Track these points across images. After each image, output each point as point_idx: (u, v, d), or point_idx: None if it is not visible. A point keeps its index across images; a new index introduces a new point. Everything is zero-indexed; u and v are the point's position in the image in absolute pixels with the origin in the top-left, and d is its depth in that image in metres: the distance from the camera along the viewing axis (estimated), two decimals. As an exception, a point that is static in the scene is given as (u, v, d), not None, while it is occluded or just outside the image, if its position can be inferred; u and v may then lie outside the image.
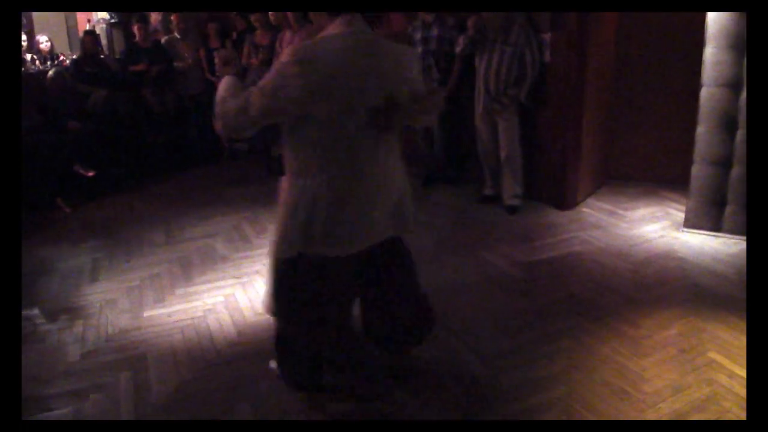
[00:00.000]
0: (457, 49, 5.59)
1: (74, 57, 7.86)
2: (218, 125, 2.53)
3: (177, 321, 4.02)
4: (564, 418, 2.91)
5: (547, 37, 5.22)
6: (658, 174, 5.93)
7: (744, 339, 3.33)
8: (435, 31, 5.76)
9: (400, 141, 2.68)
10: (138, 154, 7.40)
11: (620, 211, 5.39)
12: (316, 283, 2.68)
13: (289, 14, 6.55)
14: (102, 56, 7.85)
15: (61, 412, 3.24)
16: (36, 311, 4.31)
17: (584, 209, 5.49)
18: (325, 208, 2.48)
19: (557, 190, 5.50)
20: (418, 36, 5.84)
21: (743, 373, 3.08)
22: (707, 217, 4.77)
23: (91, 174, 6.39)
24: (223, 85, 2.61)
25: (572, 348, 3.46)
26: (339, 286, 2.75)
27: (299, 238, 2.52)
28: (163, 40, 7.92)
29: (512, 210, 5.45)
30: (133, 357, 3.67)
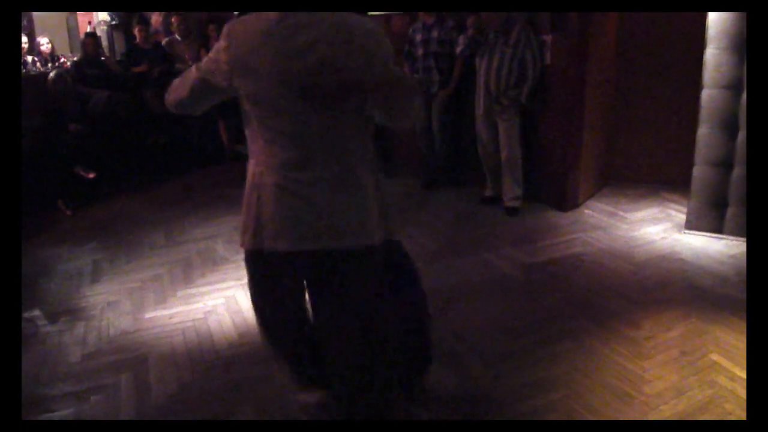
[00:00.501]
0: (458, 50, 5.59)
1: (75, 59, 7.87)
2: (166, 100, 2.45)
3: (178, 323, 4.02)
4: (565, 419, 2.91)
5: (547, 38, 5.22)
6: (659, 175, 5.93)
7: (746, 340, 3.33)
8: (435, 33, 5.77)
9: (367, 137, 2.36)
10: (139, 155, 7.41)
11: (621, 213, 5.39)
12: (268, 279, 2.51)
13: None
14: (103, 58, 7.86)
15: (63, 413, 3.24)
16: (37, 313, 4.31)
17: (585, 210, 5.49)
18: (271, 195, 2.26)
19: (558, 192, 5.50)
20: (418, 38, 5.85)
21: (745, 375, 3.08)
22: (708, 219, 4.77)
23: (92, 176, 6.40)
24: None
25: (573, 350, 3.46)
26: (291, 287, 2.53)
27: (254, 228, 2.32)
28: (163, 42, 7.93)
29: (513, 211, 5.44)
30: (134, 358, 3.67)
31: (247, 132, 2.36)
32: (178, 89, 2.39)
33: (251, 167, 2.35)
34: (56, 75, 6.62)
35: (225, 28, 2.24)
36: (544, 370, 3.30)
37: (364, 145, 2.33)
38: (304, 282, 2.52)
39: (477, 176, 5.98)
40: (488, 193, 5.76)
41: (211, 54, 2.28)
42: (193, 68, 2.36)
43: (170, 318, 4.09)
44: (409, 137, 6.56)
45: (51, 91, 6.47)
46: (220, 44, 2.22)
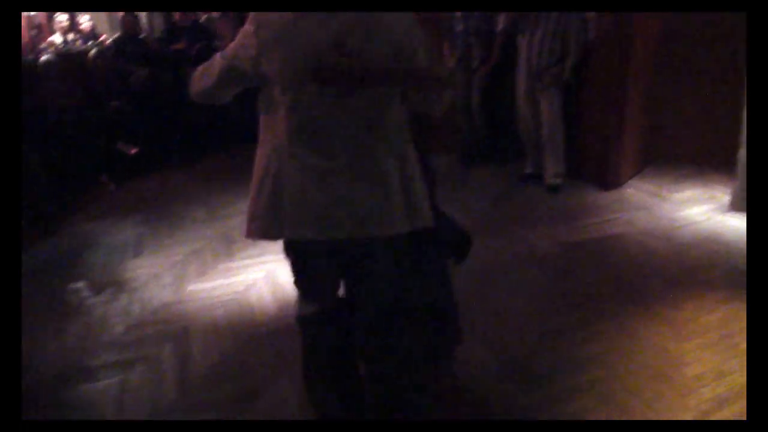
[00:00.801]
0: (498, 27, 5.52)
1: (115, 37, 7.97)
2: (191, 90, 2.39)
3: (219, 295, 4.09)
4: (602, 400, 2.89)
5: (590, 14, 5.12)
6: (703, 156, 5.80)
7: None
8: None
9: (396, 125, 2.27)
10: (180, 131, 7.49)
11: (664, 193, 5.29)
12: (297, 268, 2.48)
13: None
14: (142, 36, 7.93)
15: (107, 382, 3.33)
16: (82, 285, 4.42)
17: (627, 190, 5.40)
18: (292, 183, 2.20)
19: (600, 170, 5.42)
20: (459, 14, 5.78)
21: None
22: (754, 200, 4.65)
23: (134, 151, 6.50)
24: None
25: (613, 329, 3.43)
26: (317, 276, 2.48)
27: (264, 213, 2.27)
28: (202, 19, 7.97)
29: (554, 189, 5.39)
30: (177, 330, 3.75)
31: (262, 119, 2.31)
32: (202, 78, 2.33)
33: (265, 154, 2.29)
34: (97, 53, 6.72)
35: (254, 17, 2.18)
36: (583, 349, 3.28)
37: (392, 133, 2.25)
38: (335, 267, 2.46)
39: (517, 153, 5.92)
40: (528, 170, 5.71)
41: (237, 40, 2.22)
42: (218, 56, 2.29)
43: (212, 291, 4.16)
44: (448, 113, 6.52)
45: (92, 68, 6.56)
46: (248, 29, 2.17)
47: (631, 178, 5.60)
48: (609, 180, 5.39)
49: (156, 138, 7.10)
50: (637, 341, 3.31)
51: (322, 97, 2.12)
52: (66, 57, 6.29)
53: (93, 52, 6.67)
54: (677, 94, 5.76)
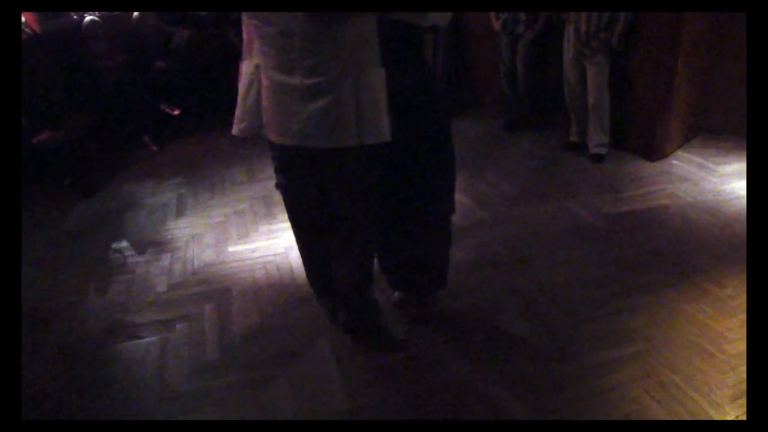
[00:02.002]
0: (546, -9, 5.40)
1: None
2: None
3: (259, 257, 4.12)
4: (643, 374, 2.87)
5: (643, -22, 4.97)
6: (753, 127, 5.63)
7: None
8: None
9: (361, 47, 2.38)
10: (222, 92, 7.51)
11: (711, 165, 5.17)
12: (280, 168, 2.83)
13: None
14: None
15: (149, 339, 3.40)
16: (125, 244, 4.50)
17: (673, 161, 5.28)
18: (262, 92, 2.56)
19: (646, 140, 5.31)
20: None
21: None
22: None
23: (176, 112, 6.54)
24: None
25: (654, 303, 3.38)
26: (298, 180, 2.81)
27: (248, 116, 2.66)
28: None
29: (598, 159, 5.30)
30: (218, 290, 3.80)
31: (245, 38, 2.61)
32: None
33: (249, 70, 2.61)
34: (140, 14, 6.73)
35: None
36: (624, 322, 3.25)
37: (348, 52, 2.37)
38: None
39: (561, 121, 5.83)
40: (572, 138, 5.62)
41: None
42: None
43: (252, 252, 4.20)
44: (492, 77, 6.44)
45: (135, 29, 6.58)
46: None
47: (676, 149, 5.48)
48: (654, 151, 5.28)
49: (199, 99, 7.14)
50: (678, 316, 3.26)
51: (284, 21, 2.33)
52: (110, 18, 6.32)
53: (136, 13, 6.69)
54: (730, 63, 5.59)
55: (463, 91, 6.87)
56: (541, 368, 2.96)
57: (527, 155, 5.60)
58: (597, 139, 5.30)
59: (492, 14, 5.85)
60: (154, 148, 6.44)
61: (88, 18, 6.07)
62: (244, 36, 2.60)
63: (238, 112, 2.70)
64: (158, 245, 4.43)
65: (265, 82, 2.53)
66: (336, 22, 2.30)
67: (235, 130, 2.71)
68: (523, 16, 5.65)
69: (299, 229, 3.07)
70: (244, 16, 2.50)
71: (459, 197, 4.74)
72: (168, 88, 6.71)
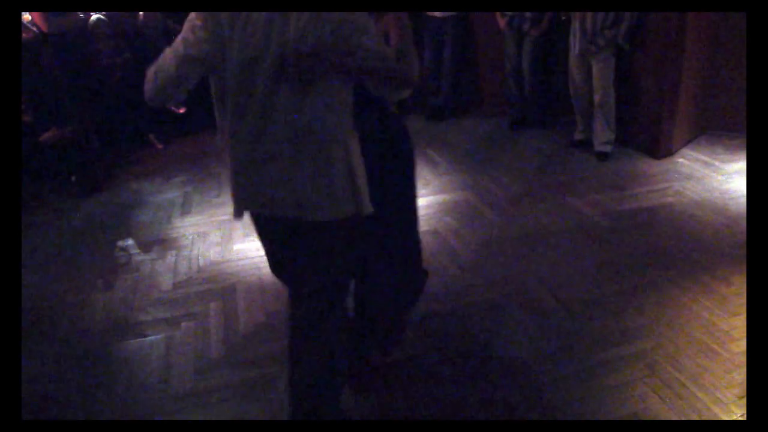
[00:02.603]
0: (552, -12, 5.38)
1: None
2: (146, 93, 2.35)
3: (265, 255, 4.12)
4: (648, 372, 2.87)
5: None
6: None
7: None
8: (529, -31, 5.56)
9: (341, 111, 2.22)
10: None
11: (717, 163, 5.15)
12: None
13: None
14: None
15: (154, 338, 3.41)
16: (131, 242, 4.52)
17: (679, 159, 5.27)
18: (243, 163, 2.30)
19: (651, 138, 5.29)
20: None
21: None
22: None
23: (182, 110, 6.54)
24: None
25: (659, 301, 3.38)
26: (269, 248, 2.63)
27: (234, 191, 2.42)
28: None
29: (603, 156, 5.29)
30: (223, 288, 3.81)
31: (216, 107, 2.37)
32: (157, 77, 2.26)
33: (225, 141, 2.36)
34: (146, 13, 6.73)
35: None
36: (629, 320, 3.24)
37: (337, 118, 2.21)
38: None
39: (566, 118, 5.82)
40: (578, 136, 5.61)
41: (184, 32, 2.20)
42: (168, 52, 2.24)
43: (257, 250, 4.18)
44: (497, 75, 6.43)
45: (142, 27, 6.59)
46: (194, 22, 2.16)
47: (682, 147, 5.46)
48: (660, 148, 5.27)
49: (205, 97, 7.13)
50: (684, 314, 3.26)
51: (263, 85, 2.14)
52: (116, 17, 6.33)
53: (142, 13, 6.71)
54: (735, 60, 5.56)
55: (468, 88, 6.86)
56: (545, 367, 2.96)
57: (532, 153, 5.59)
58: (603, 137, 5.29)
59: (497, 12, 5.83)
60: (160, 146, 6.45)
61: (94, 17, 6.09)
62: (217, 106, 2.37)
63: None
64: (164, 243, 4.44)
65: (237, 157, 2.31)
66: (330, 88, 2.16)
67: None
68: (528, 13, 5.63)
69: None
70: (216, 81, 2.26)
71: (464, 194, 4.77)
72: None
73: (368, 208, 2.34)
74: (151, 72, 2.28)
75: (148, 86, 2.29)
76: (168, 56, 2.22)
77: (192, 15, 2.18)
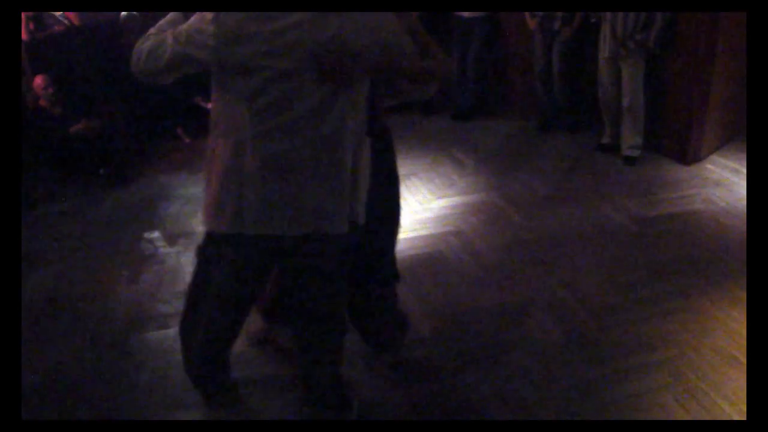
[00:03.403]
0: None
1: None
2: (134, 65, 2.24)
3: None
4: (672, 380, 2.84)
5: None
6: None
7: None
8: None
9: (358, 115, 2.20)
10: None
11: (746, 170, 5.07)
12: (240, 261, 2.34)
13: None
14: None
15: (177, 329, 3.43)
16: (157, 234, 4.55)
17: (708, 165, 5.20)
18: (256, 177, 2.13)
19: (680, 143, 5.23)
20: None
21: None
22: None
23: (209, 106, 6.59)
24: (167, 17, 2.32)
25: (684, 309, 3.35)
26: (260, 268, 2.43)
27: (235, 209, 2.18)
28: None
29: (630, 161, 5.23)
30: (246, 283, 3.82)
31: (217, 106, 2.27)
32: (149, 59, 2.18)
33: (223, 146, 2.22)
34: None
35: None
36: (653, 327, 3.21)
37: (353, 122, 2.17)
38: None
39: (594, 122, 5.77)
40: (605, 140, 5.55)
41: (192, 25, 2.10)
42: (169, 38, 2.13)
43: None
44: (525, 76, 6.39)
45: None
46: (205, 15, 2.06)
47: (711, 153, 5.39)
48: (688, 154, 5.21)
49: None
50: (709, 323, 3.23)
51: (292, 85, 2.05)
52: (147, 13, 6.39)
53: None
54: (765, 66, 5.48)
55: (496, 89, 6.83)
56: (568, 372, 2.94)
57: (559, 156, 5.55)
58: (631, 141, 5.24)
59: (527, 12, 5.80)
60: (187, 140, 6.49)
61: (124, 12, 6.15)
62: (221, 107, 2.25)
63: (217, 197, 2.25)
64: (189, 236, 4.47)
65: (255, 165, 2.12)
66: (354, 90, 2.13)
67: (222, 224, 2.24)
68: (559, 13, 5.59)
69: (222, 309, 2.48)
70: (230, 80, 2.14)
71: (490, 195, 4.76)
72: (202, 82, 6.75)
73: (363, 218, 2.32)
74: (145, 49, 2.19)
75: (138, 64, 2.22)
76: (167, 42, 2.12)
77: (207, 16, 2.05)
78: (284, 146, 2.10)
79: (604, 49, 5.16)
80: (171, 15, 2.32)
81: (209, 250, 2.40)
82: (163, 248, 4.35)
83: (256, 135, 2.11)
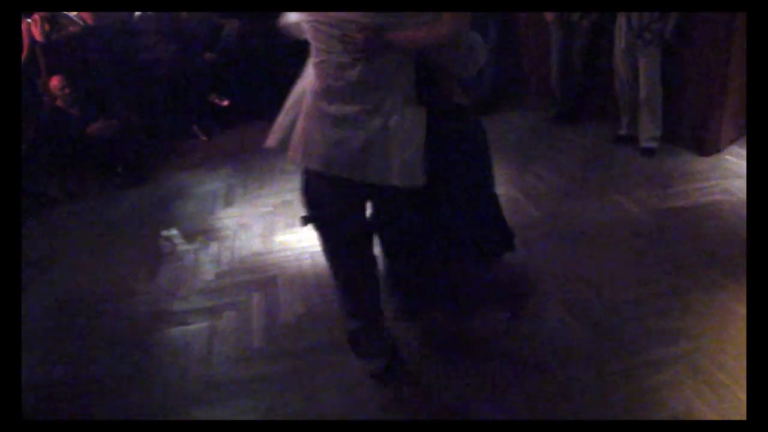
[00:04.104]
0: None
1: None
2: (280, 22, 2.81)
3: (306, 246, 4.15)
4: (691, 374, 2.82)
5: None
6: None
7: None
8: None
9: (407, 78, 2.48)
10: (271, 84, 7.55)
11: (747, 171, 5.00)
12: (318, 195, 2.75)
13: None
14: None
15: (197, 326, 3.47)
16: (175, 232, 4.59)
17: (727, 156, 5.14)
18: (314, 119, 2.51)
19: (698, 135, 5.18)
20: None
21: None
22: None
23: (226, 103, 6.61)
24: None
25: (704, 303, 3.31)
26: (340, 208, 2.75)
27: (285, 135, 2.65)
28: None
29: (648, 153, 5.19)
30: (265, 279, 3.86)
31: (310, 61, 2.58)
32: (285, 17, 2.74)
33: (299, 90, 2.67)
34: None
35: None
36: (673, 320, 3.19)
37: (402, 84, 2.46)
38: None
39: (611, 113, 5.73)
40: (623, 131, 5.50)
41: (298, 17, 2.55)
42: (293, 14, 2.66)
43: (299, 242, 4.23)
44: (541, 68, 6.36)
45: (185, 21, 6.67)
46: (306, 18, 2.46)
47: (730, 144, 5.33)
48: (707, 145, 5.15)
49: (247, 90, 7.20)
50: (729, 316, 3.19)
51: (341, 56, 2.37)
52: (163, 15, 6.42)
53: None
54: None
55: (512, 81, 6.80)
56: (586, 366, 2.93)
57: (576, 148, 5.51)
58: (648, 133, 5.19)
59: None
60: (204, 138, 6.53)
61: (138, 12, 6.19)
62: (312, 54, 2.56)
63: (278, 121, 2.74)
64: (207, 234, 4.51)
65: (314, 109, 2.52)
66: (396, 64, 2.40)
67: (268, 141, 2.74)
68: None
69: (347, 253, 2.92)
70: (311, 34, 2.48)
71: (507, 190, 4.73)
72: (217, 80, 6.79)
73: (418, 181, 2.55)
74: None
75: (281, 20, 2.80)
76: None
77: (304, 16, 2.46)
78: (338, 101, 2.46)
79: (621, 41, 5.12)
80: None
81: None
82: (181, 245, 4.39)
83: (317, 95, 2.51)
